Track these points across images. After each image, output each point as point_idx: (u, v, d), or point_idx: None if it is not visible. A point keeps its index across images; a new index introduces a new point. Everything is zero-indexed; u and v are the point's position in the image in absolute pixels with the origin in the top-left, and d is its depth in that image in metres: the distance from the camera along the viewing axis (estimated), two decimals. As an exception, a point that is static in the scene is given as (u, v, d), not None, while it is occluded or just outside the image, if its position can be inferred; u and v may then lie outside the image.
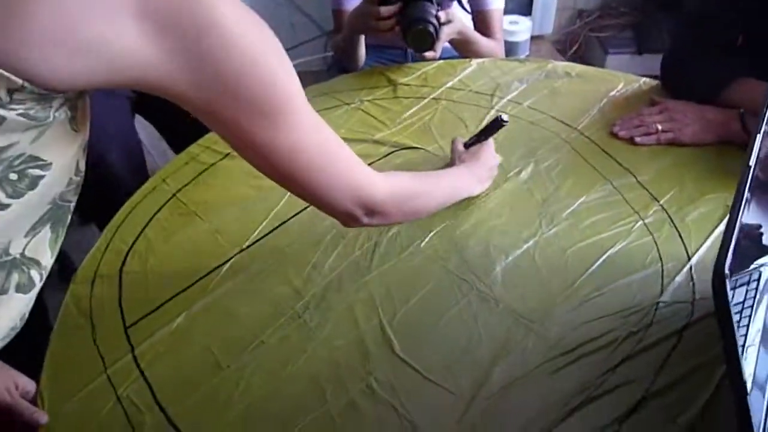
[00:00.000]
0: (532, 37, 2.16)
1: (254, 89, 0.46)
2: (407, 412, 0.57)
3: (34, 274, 0.52)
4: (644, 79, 1.06)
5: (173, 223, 0.79)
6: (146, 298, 0.69)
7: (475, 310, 0.66)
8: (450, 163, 0.84)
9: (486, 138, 0.82)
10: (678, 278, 0.69)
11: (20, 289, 0.51)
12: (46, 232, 0.51)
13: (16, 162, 0.43)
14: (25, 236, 0.50)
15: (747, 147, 0.87)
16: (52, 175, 0.47)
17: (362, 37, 1.22)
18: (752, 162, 0.48)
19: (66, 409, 0.59)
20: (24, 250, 0.50)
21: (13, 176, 0.44)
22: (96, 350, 0.64)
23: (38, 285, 0.53)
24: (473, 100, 1.01)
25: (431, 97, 1.03)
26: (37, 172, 0.45)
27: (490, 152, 0.82)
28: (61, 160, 0.47)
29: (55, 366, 0.63)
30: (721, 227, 0.75)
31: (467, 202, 0.80)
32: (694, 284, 0.69)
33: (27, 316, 0.55)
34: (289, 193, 0.81)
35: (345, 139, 0.90)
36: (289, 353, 0.63)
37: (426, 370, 0.61)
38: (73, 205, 0.54)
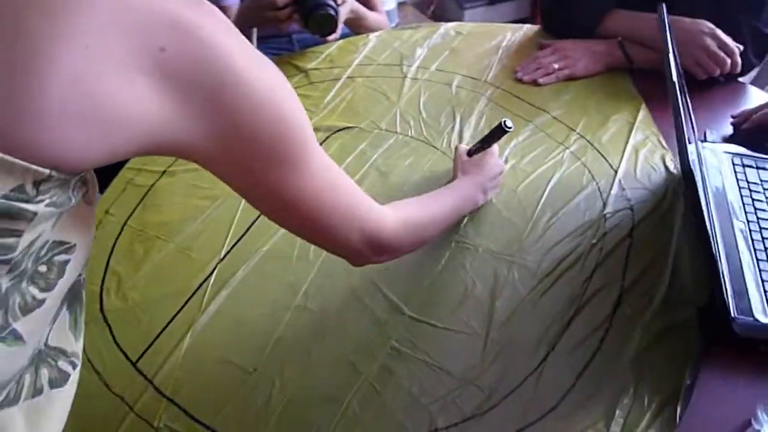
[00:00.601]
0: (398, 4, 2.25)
1: (273, 137, 0.44)
2: (435, 362, 0.63)
3: (63, 364, 0.47)
4: (526, 25, 1.17)
5: (136, 253, 0.77)
6: (141, 331, 0.68)
7: (461, 259, 0.73)
8: (453, 173, 0.81)
9: (490, 145, 0.78)
10: (613, 191, 0.80)
11: (54, 383, 0.46)
12: (64, 315, 0.46)
13: (43, 252, 0.39)
14: (50, 324, 0.45)
15: (630, 70, 1.01)
16: (76, 257, 0.43)
17: (254, 31, 1.21)
18: (675, 78, 0.58)
19: (104, 457, 0.58)
20: (47, 340, 0.45)
21: (43, 268, 0.40)
22: (112, 394, 0.62)
23: (73, 375, 0.48)
24: (386, 72, 1.06)
25: (345, 76, 1.06)
26: (64, 257, 0.41)
27: (494, 160, 0.79)
28: (83, 237, 0.43)
29: (75, 421, 0.61)
30: (632, 141, 0.88)
31: (416, 166, 0.85)
32: (626, 192, 0.80)
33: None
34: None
35: (280, 133, 0.94)
36: (308, 342, 0.65)
37: (438, 321, 0.66)
38: (84, 278, 0.49)
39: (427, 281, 0.71)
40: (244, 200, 0.81)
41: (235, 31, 0.40)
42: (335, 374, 0.62)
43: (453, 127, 0.93)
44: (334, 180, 0.51)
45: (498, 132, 0.74)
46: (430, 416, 0.58)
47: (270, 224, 0.79)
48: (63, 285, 0.42)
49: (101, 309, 0.70)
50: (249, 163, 0.44)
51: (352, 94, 1.02)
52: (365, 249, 0.56)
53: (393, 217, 0.58)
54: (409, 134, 0.92)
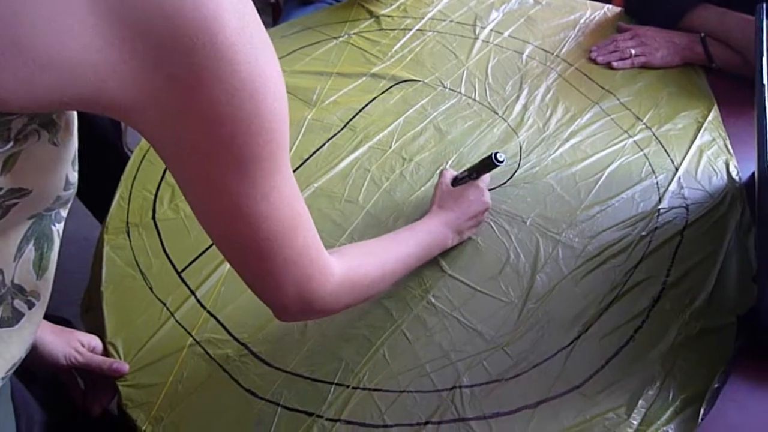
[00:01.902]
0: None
1: (241, 129, 0.35)
2: (469, 322, 0.64)
3: (19, 303, 0.44)
4: (608, 6, 1.13)
5: (192, 168, 0.78)
6: (189, 243, 0.70)
7: (506, 228, 0.73)
8: (431, 202, 0.70)
9: (477, 176, 0.69)
10: (671, 187, 0.79)
11: (4, 323, 0.43)
12: (29, 252, 0.43)
13: None
14: (14, 261, 0.42)
15: (707, 68, 0.98)
16: (28, 202, 0.39)
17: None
18: (765, 81, 0.57)
19: (142, 356, 0.60)
20: (13, 278, 0.42)
21: None
22: (155, 297, 0.65)
23: (27, 314, 0.45)
24: (458, 31, 1.05)
25: (416, 28, 1.05)
26: (14, 201, 0.38)
27: (477, 196, 0.69)
28: (45, 181, 0.39)
29: (117, 318, 0.64)
30: (698, 141, 0.86)
31: (476, 129, 0.85)
32: (684, 191, 0.79)
33: (21, 356, 0.47)
34: (302, 131, 0.84)
35: (345, 74, 0.94)
36: (348, 281, 0.67)
37: (477, 284, 0.67)
38: (61, 216, 0.46)
39: (471, 244, 0.71)
40: (301, 134, 0.84)
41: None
42: (369, 317, 0.64)
43: (518, 98, 0.91)
44: (296, 213, 0.42)
45: (487, 163, 0.66)
46: (457, 372, 0.60)
47: (325, 160, 0.80)
48: (4, 225, 0.39)
49: (153, 216, 0.73)
50: (201, 156, 0.36)
51: (421, 47, 1.00)
52: (294, 304, 0.46)
53: (338, 273, 0.49)
54: (473, 97, 0.91)
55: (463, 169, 0.71)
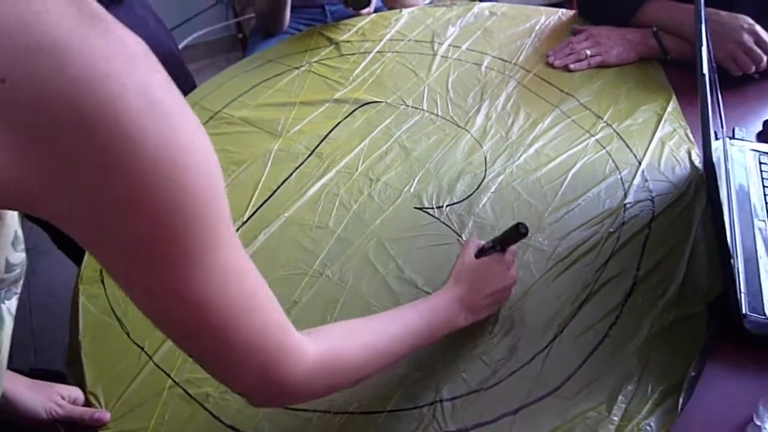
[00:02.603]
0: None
1: (165, 215, 0.31)
2: (448, 335, 0.64)
3: None
4: (561, 10, 1.16)
5: (163, 210, 0.79)
6: (163, 285, 0.70)
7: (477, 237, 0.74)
8: (449, 273, 0.63)
9: (504, 248, 0.64)
10: (635, 181, 0.80)
11: None
12: None
13: None
14: None
15: (663, 61, 0.99)
16: None
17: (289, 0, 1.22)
18: (705, 71, 0.58)
19: (123, 402, 0.60)
20: None
21: None
22: (132, 343, 0.65)
23: None
24: (416, 49, 1.06)
25: (376, 50, 1.06)
26: None
27: (501, 270, 0.62)
28: None
29: (96, 366, 0.64)
30: (659, 133, 0.87)
31: (440, 144, 0.86)
32: (648, 184, 0.80)
33: None
34: (269, 162, 0.85)
35: (308, 102, 0.95)
36: (324, 307, 0.67)
37: (451, 297, 0.68)
38: (12, 293, 0.43)
39: (443, 256, 0.72)
40: (269, 166, 0.85)
41: (148, 67, 0.30)
42: (347, 340, 0.64)
43: (479, 109, 0.93)
44: (250, 294, 0.38)
45: (512, 235, 0.61)
46: (437, 386, 0.60)
47: (293, 191, 0.81)
48: None
49: (126, 262, 0.73)
50: (129, 249, 0.32)
51: (381, 69, 1.02)
52: (262, 392, 0.43)
53: (312, 357, 0.43)
54: (435, 112, 0.93)
55: (490, 239, 0.65)
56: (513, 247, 0.65)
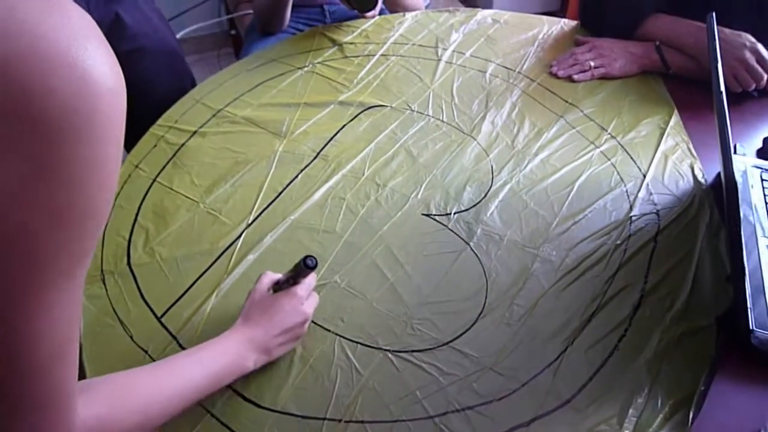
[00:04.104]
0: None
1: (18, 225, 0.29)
2: (455, 344, 0.64)
3: None
4: (564, 20, 1.16)
5: (166, 210, 0.77)
6: (167, 287, 0.69)
7: (485, 247, 0.74)
8: (241, 311, 0.60)
9: (295, 282, 0.61)
10: (640, 194, 0.81)
11: None
12: None
13: None
14: None
15: (664, 75, 1.00)
16: None
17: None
18: (722, 89, 0.59)
19: (126, 406, 0.59)
20: None
21: None
22: (136, 346, 0.63)
23: None
24: (420, 54, 1.06)
25: (380, 53, 1.06)
26: None
27: (294, 306, 0.60)
28: None
29: (97, 370, 0.62)
30: (662, 147, 0.88)
31: (446, 151, 0.86)
32: (653, 197, 0.81)
33: None
34: (274, 163, 0.84)
35: (313, 104, 0.94)
36: (332, 312, 0.66)
37: (460, 306, 0.67)
38: None
39: (451, 264, 0.72)
40: (273, 167, 0.83)
41: None
42: (356, 347, 0.64)
43: (485, 116, 0.93)
44: (70, 336, 0.36)
45: (301, 268, 0.59)
46: (448, 397, 0.59)
47: (299, 194, 0.80)
48: None
49: (128, 262, 0.71)
50: None
51: (386, 72, 1.01)
52: None
53: (79, 425, 0.40)
54: (441, 118, 0.93)
55: (285, 272, 0.62)
56: (309, 281, 0.63)
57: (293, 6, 1.36)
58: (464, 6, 2.03)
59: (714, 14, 0.73)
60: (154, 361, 0.62)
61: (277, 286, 0.62)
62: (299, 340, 0.62)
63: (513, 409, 0.59)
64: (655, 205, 0.80)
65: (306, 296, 0.62)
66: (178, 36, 2.10)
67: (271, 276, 0.63)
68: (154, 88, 1.04)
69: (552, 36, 1.12)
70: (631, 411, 0.58)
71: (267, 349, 0.58)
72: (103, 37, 0.32)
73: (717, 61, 0.64)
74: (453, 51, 1.07)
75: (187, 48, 2.19)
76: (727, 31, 0.95)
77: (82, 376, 0.62)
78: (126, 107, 0.33)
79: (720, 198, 0.77)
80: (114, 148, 0.32)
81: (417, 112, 0.94)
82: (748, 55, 0.93)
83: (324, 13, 1.43)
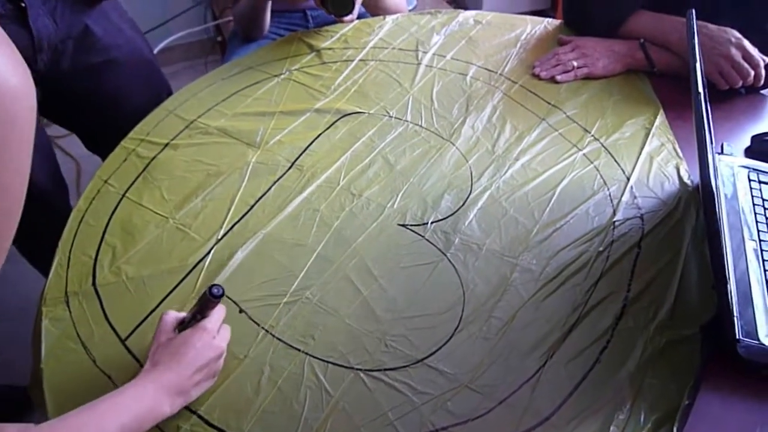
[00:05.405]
0: (414, -13, 2.20)
1: None
2: (430, 361, 0.61)
3: None
4: (547, 19, 1.14)
5: (134, 226, 0.75)
6: (133, 307, 0.66)
7: (463, 257, 0.71)
8: (146, 355, 0.57)
9: (202, 316, 0.58)
10: (624, 198, 0.78)
11: None
12: None
13: None
14: None
15: (649, 73, 0.98)
16: None
17: (269, 4, 1.18)
18: (701, 89, 0.56)
19: (86, 435, 0.56)
20: None
21: None
22: (99, 371, 0.61)
23: None
24: (400, 58, 1.04)
25: (359, 59, 1.03)
26: None
27: (205, 342, 0.56)
28: None
29: (58, 397, 0.59)
30: (647, 148, 0.86)
31: (425, 157, 0.84)
32: (637, 200, 0.78)
33: None
34: (247, 175, 0.82)
35: (288, 112, 0.92)
36: (303, 330, 0.64)
37: (435, 320, 0.65)
38: None
39: (427, 277, 0.69)
40: (246, 179, 0.81)
41: None
42: (327, 367, 0.61)
43: (464, 120, 0.90)
44: None
45: (207, 299, 0.56)
46: (421, 417, 0.57)
47: (272, 206, 0.78)
48: None
49: (93, 282, 0.69)
50: None
51: (364, 78, 0.99)
52: None
53: None
54: (420, 124, 0.90)
55: (189, 310, 0.59)
56: (218, 312, 0.59)
57: (276, 11, 1.34)
58: (453, 7, 2.01)
59: (694, 11, 0.70)
60: (117, 387, 0.60)
61: (182, 326, 0.58)
62: (217, 374, 0.58)
63: (489, 429, 0.56)
64: (640, 209, 0.77)
65: (217, 329, 0.58)
66: (164, 44, 2.09)
67: (175, 315, 0.59)
68: (130, 99, 1.01)
69: (535, 36, 1.10)
70: (612, 428, 0.56)
71: (182, 392, 0.54)
72: (6, 37, 0.30)
73: (696, 60, 0.62)
74: (433, 54, 1.04)
75: (175, 56, 2.17)
76: (711, 27, 0.92)
77: (42, 403, 0.59)
78: (36, 108, 0.32)
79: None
80: (17, 147, 0.31)
81: (395, 118, 0.91)
82: (733, 51, 0.90)
83: (307, 18, 1.41)
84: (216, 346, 0.57)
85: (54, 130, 1.74)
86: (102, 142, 0.99)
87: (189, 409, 0.57)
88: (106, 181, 0.81)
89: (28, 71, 0.33)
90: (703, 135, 0.54)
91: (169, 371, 0.54)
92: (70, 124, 1.08)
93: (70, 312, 0.66)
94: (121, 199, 0.79)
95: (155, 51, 1.87)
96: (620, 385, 0.59)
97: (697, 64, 0.62)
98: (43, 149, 0.98)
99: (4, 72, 0.30)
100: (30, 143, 0.32)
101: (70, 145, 1.77)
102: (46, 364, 0.62)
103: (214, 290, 0.55)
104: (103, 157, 0.87)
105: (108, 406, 0.51)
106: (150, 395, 0.52)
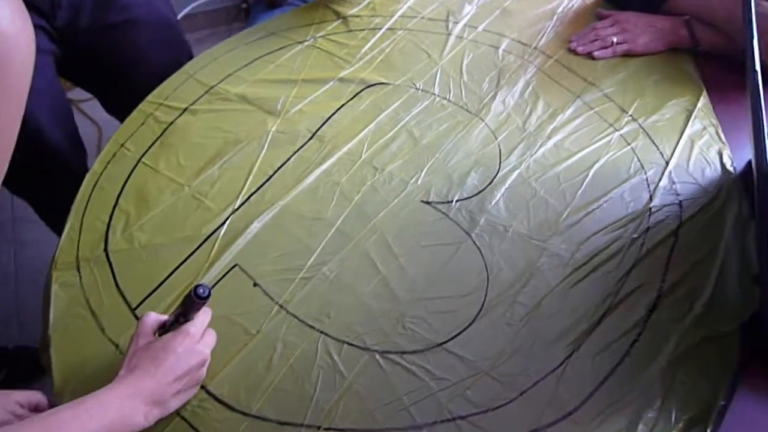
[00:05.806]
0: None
1: None
2: (448, 346, 0.58)
3: None
4: (586, -8, 1.08)
5: (149, 192, 0.73)
6: (144, 276, 0.65)
7: (488, 239, 0.68)
8: (123, 359, 0.53)
9: (186, 319, 0.53)
10: (662, 183, 0.74)
11: None
12: None
13: None
14: None
15: (694, 52, 0.92)
16: None
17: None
18: (758, 66, 0.51)
19: (92, 404, 0.55)
20: None
21: None
22: (107, 339, 0.59)
23: None
24: (429, 28, 0.99)
25: (386, 27, 0.99)
26: None
27: (187, 346, 0.52)
28: None
29: (65, 365, 0.58)
30: (688, 131, 0.81)
31: (451, 132, 0.80)
32: (675, 186, 0.74)
33: None
34: (266, 144, 0.79)
35: (311, 80, 0.88)
36: (318, 308, 0.62)
37: (457, 304, 0.62)
38: None
39: (450, 257, 0.66)
40: (265, 148, 0.78)
41: None
42: (341, 346, 0.59)
43: (495, 95, 0.86)
44: None
45: (191, 300, 0.51)
46: (438, 404, 0.54)
47: (290, 178, 0.75)
48: None
49: (105, 248, 0.67)
50: None
51: (391, 47, 0.95)
52: None
53: None
54: (448, 97, 0.86)
55: (171, 312, 0.55)
56: (203, 316, 0.55)
57: (301, -23, 1.29)
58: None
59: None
60: (124, 357, 0.58)
61: (163, 330, 0.54)
62: (200, 383, 0.54)
63: (509, 421, 0.53)
64: (678, 195, 0.73)
65: (201, 333, 0.54)
66: (187, 10, 2.05)
67: (156, 317, 0.55)
68: (148, 61, 0.98)
69: (573, 9, 1.04)
70: (640, 427, 0.52)
71: (160, 401, 0.50)
72: None
73: (753, 35, 0.57)
74: (465, 25, 0.99)
75: (199, 22, 2.13)
76: (766, 4, 0.86)
77: (49, 371, 0.58)
78: (33, 61, 0.31)
79: (750, 189, 0.70)
80: (7, 97, 0.30)
81: (422, 90, 0.87)
82: (790, 31, 0.84)
83: (332, -16, 1.36)
84: (199, 352, 0.53)
85: (76, 93, 1.73)
86: (120, 105, 0.96)
87: (213, 397, 0.55)
88: (122, 145, 0.79)
89: (29, 20, 0.31)
90: (760, 116, 0.49)
91: (147, 377, 0.49)
92: (89, 85, 1.06)
93: (80, 278, 0.64)
94: (136, 164, 0.76)
95: (179, 17, 1.84)
96: (650, 382, 0.56)
97: (755, 40, 0.57)
98: (60, 110, 0.96)
99: (3, 17, 0.29)
100: (24, 92, 0.30)
101: (92, 109, 1.75)
102: (54, 330, 0.60)
103: (200, 290, 0.50)
104: (122, 120, 0.85)
105: (74, 413, 0.46)
106: (123, 403, 0.48)
